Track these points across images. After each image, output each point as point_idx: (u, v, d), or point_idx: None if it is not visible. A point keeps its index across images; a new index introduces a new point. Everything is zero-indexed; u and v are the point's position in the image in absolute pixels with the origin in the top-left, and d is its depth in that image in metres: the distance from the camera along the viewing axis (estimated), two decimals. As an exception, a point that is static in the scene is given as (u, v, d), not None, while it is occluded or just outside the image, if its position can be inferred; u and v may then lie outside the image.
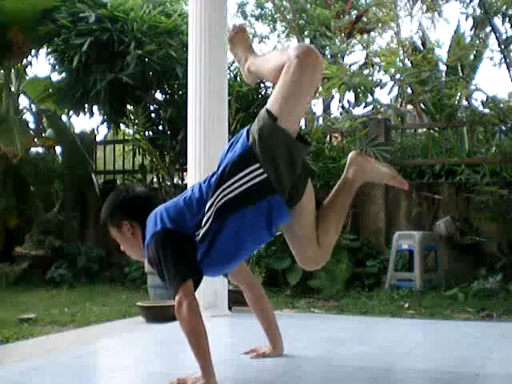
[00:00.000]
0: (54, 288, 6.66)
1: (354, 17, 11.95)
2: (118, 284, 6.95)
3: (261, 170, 2.29)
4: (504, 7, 6.24)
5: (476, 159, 6.91)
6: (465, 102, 7.80)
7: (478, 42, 8.29)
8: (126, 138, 8.24)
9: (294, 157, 2.31)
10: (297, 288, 6.01)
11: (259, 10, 14.61)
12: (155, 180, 7.59)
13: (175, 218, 2.38)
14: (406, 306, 5.22)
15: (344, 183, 2.61)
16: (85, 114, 7.48)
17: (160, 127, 7.33)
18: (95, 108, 7.38)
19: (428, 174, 7.13)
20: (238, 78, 6.92)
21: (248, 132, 2.35)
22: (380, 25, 14.79)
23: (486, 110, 6.73)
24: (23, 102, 12.17)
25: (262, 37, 14.86)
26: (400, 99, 8.84)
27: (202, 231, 2.35)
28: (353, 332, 3.84)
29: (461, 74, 7.65)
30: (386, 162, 6.85)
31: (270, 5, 14.46)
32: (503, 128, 6.50)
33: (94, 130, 8.70)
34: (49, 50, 7.32)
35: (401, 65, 8.22)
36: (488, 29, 7.21)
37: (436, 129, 7.84)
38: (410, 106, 9.68)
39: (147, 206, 2.53)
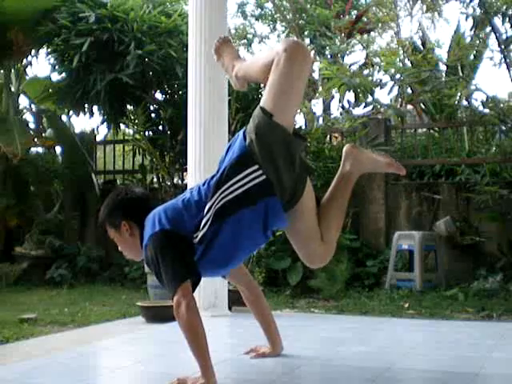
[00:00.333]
0: (54, 288, 6.66)
1: (354, 17, 11.95)
2: (118, 284, 6.95)
3: (259, 172, 2.30)
4: (504, 7, 6.24)
5: (476, 159, 6.91)
6: (465, 102, 7.80)
7: (477, 41, 8.29)
8: (126, 138, 8.24)
9: (292, 152, 2.32)
10: (297, 288, 6.01)
11: (259, 10, 14.59)
12: (155, 180, 7.59)
13: (174, 220, 2.39)
14: (406, 306, 5.22)
15: (342, 177, 2.62)
16: (85, 114, 7.47)
17: (160, 127, 7.33)
18: (95, 108, 7.38)
19: (428, 174, 7.13)
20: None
21: (245, 133, 2.36)
22: (380, 25, 14.78)
23: (486, 110, 6.73)
24: (23, 102, 12.17)
25: (261, 37, 14.85)
26: (400, 99, 8.85)
27: (200, 233, 2.36)
28: (353, 332, 3.84)
29: (461, 73, 7.64)
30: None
31: (270, 5, 14.45)
32: (503, 128, 6.50)
33: (93, 130, 8.71)
34: (49, 50, 7.32)
35: (401, 65, 8.23)
36: (488, 29, 7.21)
37: (436, 129, 7.84)
38: (409, 106, 9.68)
39: (146, 206, 2.54)
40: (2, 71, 8.05)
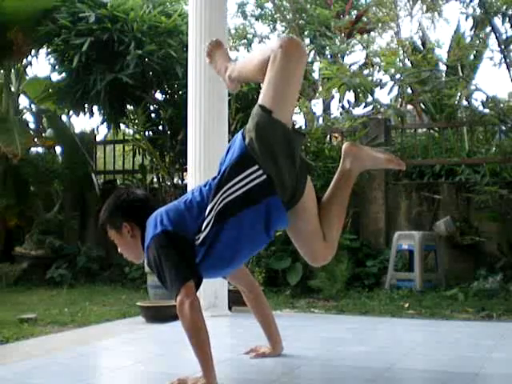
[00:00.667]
0: (53, 288, 6.66)
1: (354, 17, 11.96)
2: (118, 284, 6.95)
3: (260, 172, 2.30)
4: (504, 7, 6.24)
5: (476, 159, 6.91)
6: (465, 102, 7.80)
7: (477, 41, 8.30)
8: (126, 137, 8.23)
9: (293, 149, 2.33)
10: (297, 288, 6.01)
11: (259, 10, 14.60)
12: (155, 180, 7.58)
13: (176, 221, 2.39)
14: (406, 306, 5.22)
15: (342, 175, 2.62)
16: (85, 114, 7.47)
17: (160, 127, 7.33)
18: (95, 108, 7.38)
19: (428, 174, 7.13)
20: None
21: (244, 133, 2.36)
22: (380, 25, 14.79)
23: (486, 110, 6.73)
24: (23, 102, 12.16)
25: (261, 37, 14.85)
26: (400, 99, 8.84)
27: (202, 235, 2.35)
28: (353, 332, 3.84)
29: (461, 73, 7.64)
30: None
31: (270, 5, 14.45)
32: (503, 128, 6.51)
33: (93, 129, 8.71)
34: (49, 50, 7.32)
35: (401, 65, 8.23)
36: (488, 29, 7.21)
37: (436, 129, 7.84)
38: (410, 106, 9.69)
39: (147, 208, 2.54)
40: (2, 71, 8.05)
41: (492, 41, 7.37)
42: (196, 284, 2.32)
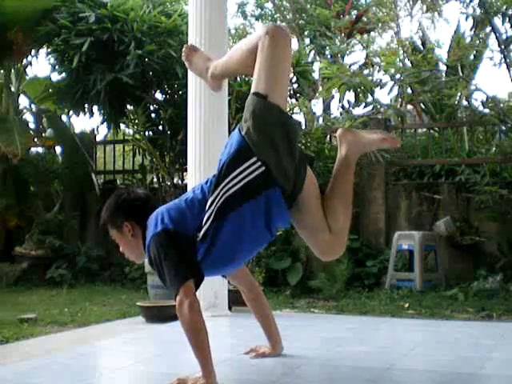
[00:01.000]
0: (53, 288, 6.66)
1: (354, 17, 11.97)
2: (118, 284, 6.95)
3: (258, 164, 2.29)
4: (504, 7, 6.24)
5: (476, 159, 6.91)
6: (465, 102, 7.80)
7: (478, 41, 8.30)
8: (126, 137, 8.23)
9: (292, 134, 2.32)
10: (297, 288, 6.01)
11: (259, 10, 14.60)
12: (155, 180, 7.58)
13: (176, 219, 2.38)
14: (406, 306, 5.22)
15: (341, 163, 2.59)
16: (85, 114, 7.48)
17: (160, 127, 7.33)
18: (95, 108, 7.38)
19: (428, 174, 7.13)
20: (238, 78, 6.92)
21: (240, 127, 2.35)
22: (380, 25, 14.79)
23: (486, 110, 6.73)
24: (23, 101, 12.17)
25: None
26: (400, 99, 8.85)
27: (202, 230, 2.35)
28: (353, 332, 3.84)
29: (461, 73, 7.65)
30: (386, 161, 6.86)
31: (269, 5, 14.46)
32: (503, 128, 6.50)
33: (93, 129, 8.72)
34: (49, 50, 7.32)
35: (401, 65, 8.24)
36: (488, 29, 7.22)
37: (436, 129, 7.84)
38: (410, 106, 9.69)
39: (148, 207, 2.54)
40: (2, 71, 8.05)
41: (492, 41, 7.39)
42: (196, 283, 2.32)
